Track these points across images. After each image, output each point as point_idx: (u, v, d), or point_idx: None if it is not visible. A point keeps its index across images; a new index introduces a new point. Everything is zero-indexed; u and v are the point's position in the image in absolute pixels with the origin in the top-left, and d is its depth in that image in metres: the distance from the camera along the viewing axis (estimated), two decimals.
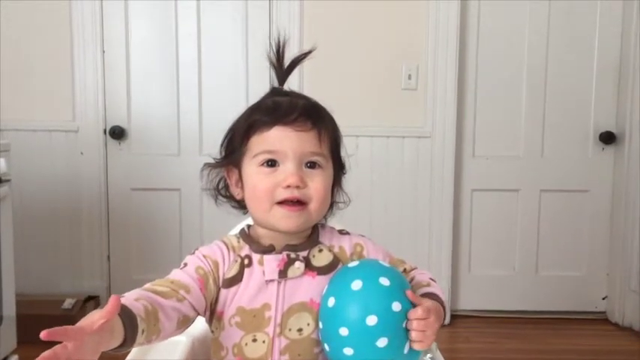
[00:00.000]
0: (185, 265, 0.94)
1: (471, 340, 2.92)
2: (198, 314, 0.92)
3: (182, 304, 0.88)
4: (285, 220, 0.92)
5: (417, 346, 0.87)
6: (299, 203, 0.92)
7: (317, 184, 0.93)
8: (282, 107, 0.92)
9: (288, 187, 0.91)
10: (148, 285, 0.90)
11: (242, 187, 0.97)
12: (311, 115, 0.92)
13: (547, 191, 3.15)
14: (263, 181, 0.92)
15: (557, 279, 3.19)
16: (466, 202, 3.14)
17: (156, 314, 0.82)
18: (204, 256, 0.95)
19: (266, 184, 0.92)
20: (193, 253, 0.97)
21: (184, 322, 0.89)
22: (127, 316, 0.75)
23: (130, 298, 0.80)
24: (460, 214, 3.14)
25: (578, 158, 3.13)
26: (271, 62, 0.98)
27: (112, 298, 0.70)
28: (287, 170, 0.91)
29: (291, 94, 0.97)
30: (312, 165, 0.93)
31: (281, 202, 0.92)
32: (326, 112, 0.98)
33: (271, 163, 0.92)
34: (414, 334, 0.86)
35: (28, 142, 2.91)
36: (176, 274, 0.93)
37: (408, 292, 0.88)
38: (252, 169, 0.94)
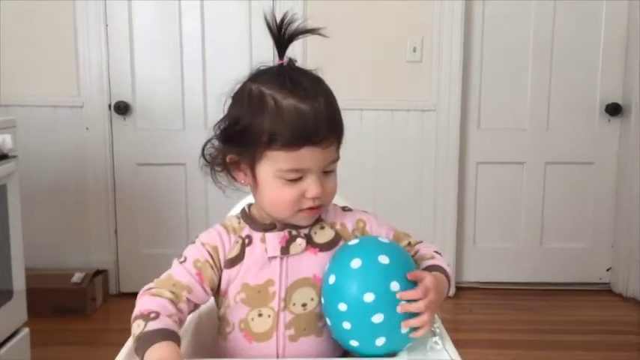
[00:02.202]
0: (185, 259, 0.97)
1: (474, 311, 2.95)
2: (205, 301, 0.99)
3: (188, 304, 0.94)
4: (305, 220, 0.97)
5: (414, 335, 0.88)
6: (319, 207, 0.96)
7: (331, 186, 0.96)
8: (309, 124, 0.89)
9: (313, 198, 0.93)
10: (155, 290, 0.93)
11: (251, 177, 0.96)
12: (334, 129, 0.93)
13: (552, 164, 3.14)
14: (288, 194, 0.93)
15: (561, 251, 3.20)
16: (471, 174, 3.14)
17: (177, 320, 0.91)
18: (202, 244, 0.98)
19: (291, 196, 0.93)
20: (194, 241, 1.00)
21: (194, 310, 0.98)
22: (177, 338, 0.87)
23: (165, 318, 0.88)
24: (465, 187, 3.14)
25: (583, 130, 3.12)
26: (272, 34, 0.96)
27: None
28: (311, 182, 0.93)
29: (304, 84, 0.92)
30: (328, 170, 0.95)
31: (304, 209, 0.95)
32: (337, 108, 0.96)
33: (297, 177, 0.93)
34: (410, 322, 0.88)
35: (33, 118, 2.91)
36: (176, 273, 0.96)
37: (409, 274, 0.89)
38: (272, 179, 0.93)
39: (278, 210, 0.96)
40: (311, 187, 0.92)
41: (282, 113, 0.90)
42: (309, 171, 0.92)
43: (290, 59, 0.96)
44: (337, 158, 0.95)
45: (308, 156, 0.91)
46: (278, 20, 0.95)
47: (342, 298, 0.89)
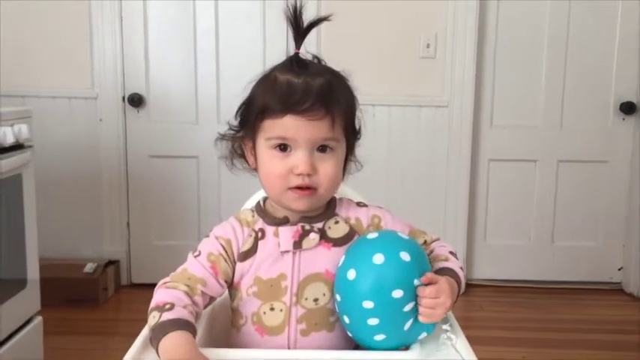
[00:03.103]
0: (199, 253, 0.98)
1: (485, 308, 2.94)
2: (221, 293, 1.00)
3: (203, 297, 0.95)
4: (297, 202, 0.95)
5: (422, 319, 0.89)
6: (309, 188, 0.94)
7: (327, 168, 0.94)
8: (296, 93, 0.91)
9: (300, 174, 0.92)
10: (170, 283, 0.94)
11: (255, 158, 0.99)
12: (325, 102, 0.91)
13: (565, 162, 3.13)
14: (276, 166, 0.93)
15: (572, 249, 3.19)
16: (483, 171, 3.13)
17: (192, 311, 0.92)
18: (216, 238, 0.99)
19: (279, 170, 0.93)
20: (208, 235, 1.00)
21: (210, 304, 1.00)
22: (193, 328, 0.88)
23: (180, 309, 0.89)
24: (477, 184, 3.13)
25: (597, 129, 3.10)
26: (290, 23, 0.97)
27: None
28: (298, 157, 0.92)
29: (309, 69, 0.95)
30: (323, 148, 0.94)
31: (292, 187, 0.94)
32: (342, 90, 0.96)
33: (283, 147, 0.93)
34: (422, 309, 0.88)
35: (48, 108, 2.94)
36: (191, 267, 0.97)
37: (423, 278, 0.89)
38: (265, 150, 0.95)
39: (269, 186, 0.96)
40: (298, 161, 0.92)
41: (275, 85, 0.93)
42: (297, 144, 0.92)
43: (311, 54, 0.98)
44: (333, 138, 0.94)
45: (292, 125, 0.91)
46: (292, 13, 0.96)
47: (367, 296, 0.88)
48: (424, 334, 0.92)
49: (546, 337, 2.61)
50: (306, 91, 0.91)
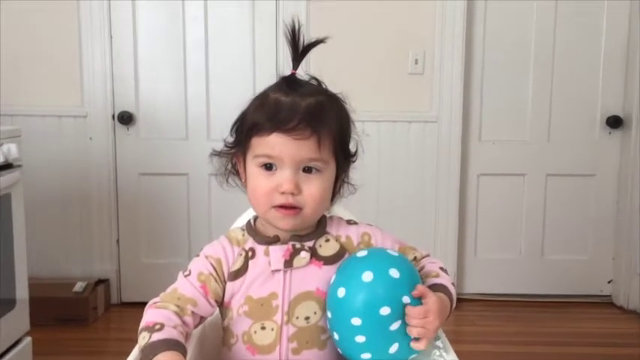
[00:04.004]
0: (189, 272, 0.98)
1: (476, 323, 2.94)
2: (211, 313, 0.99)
3: (193, 317, 0.96)
4: (281, 221, 0.95)
5: (415, 346, 0.89)
6: (293, 208, 0.94)
7: (312, 189, 0.94)
8: (282, 112, 0.92)
9: (283, 193, 0.93)
10: (160, 303, 0.95)
11: (244, 174, 1.00)
12: (311, 122, 0.92)
13: (553, 175, 3.15)
14: (262, 184, 0.94)
15: (562, 263, 3.20)
16: (472, 186, 3.15)
17: (182, 332, 0.92)
18: (206, 257, 0.99)
19: (264, 188, 0.94)
20: (198, 255, 1.00)
21: (200, 323, 1.00)
22: (183, 348, 0.88)
23: (169, 329, 0.89)
24: (466, 199, 3.15)
25: (584, 142, 3.13)
26: (289, 43, 0.98)
27: None
28: (283, 176, 0.93)
29: (301, 89, 0.96)
30: (309, 169, 0.94)
31: (277, 206, 0.94)
32: (332, 111, 0.96)
33: (269, 166, 0.94)
34: (414, 332, 0.89)
35: (38, 127, 2.93)
36: (181, 287, 0.97)
37: (414, 291, 0.90)
38: (253, 167, 0.96)
39: (256, 203, 0.97)
40: (283, 180, 0.93)
41: (265, 103, 0.95)
42: (282, 163, 0.93)
43: (309, 75, 1.00)
44: (320, 159, 0.94)
45: (279, 143, 0.91)
46: (291, 33, 0.98)
47: (356, 313, 0.88)
48: (413, 356, 0.92)
49: (537, 351, 2.61)
50: (292, 109, 0.92)
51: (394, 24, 2.97)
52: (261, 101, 0.96)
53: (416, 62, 2.99)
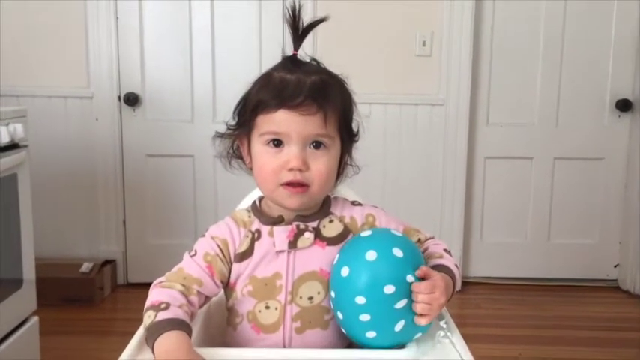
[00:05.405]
0: (195, 252, 0.98)
1: (481, 306, 2.95)
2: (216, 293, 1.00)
3: (199, 296, 0.95)
4: (288, 199, 0.95)
5: (419, 321, 0.89)
6: (301, 185, 0.94)
7: (320, 165, 0.94)
8: (288, 88, 0.92)
9: (291, 169, 0.92)
10: (166, 282, 0.95)
11: (251, 158, 0.99)
12: (317, 98, 0.92)
13: (561, 159, 3.13)
14: (269, 163, 0.94)
15: (569, 247, 3.20)
16: (479, 169, 3.14)
17: (188, 311, 0.92)
18: (212, 238, 0.99)
19: (271, 166, 0.94)
20: (204, 235, 1.00)
21: (205, 303, 1.00)
22: (188, 328, 0.88)
23: (175, 309, 0.89)
24: (473, 182, 3.14)
25: (593, 126, 3.10)
26: (288, 24, 0.98)
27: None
28: (290, 152, 0.93)
29: (304, 67, 0.96)
30: (316, 145, 0.94)
31: (284, 184, 0.94)
32: (336, 89, 0.97)
33: (276, 143, 0.94)
34: (419, 307, 0.88)
35: (44, 108, 2.93)
36: (187, 266, 0.97)
37: (418, 271, 0.90)
38: (259, 146, 0.95)
39: (262, 182, 0.96)
40: (290, 157, 0.92)
41: (270, 82, 0.95)
42: (289, 139, 0.92)
43: (309, 56, 0.99)
44: (326, 135, 0.94)
45: (285, 119, 0.91)
46: (291, 14, 0.97)
47: (360, 291, 0.88)
48: (419, 334, 0.92)
49: (542, 335, 2.61)
50: (298, 86, 0.92)
51: (401, 4, 2.94)
52: (265, 80, 0.96)
53: (423, 44, 2.96)
